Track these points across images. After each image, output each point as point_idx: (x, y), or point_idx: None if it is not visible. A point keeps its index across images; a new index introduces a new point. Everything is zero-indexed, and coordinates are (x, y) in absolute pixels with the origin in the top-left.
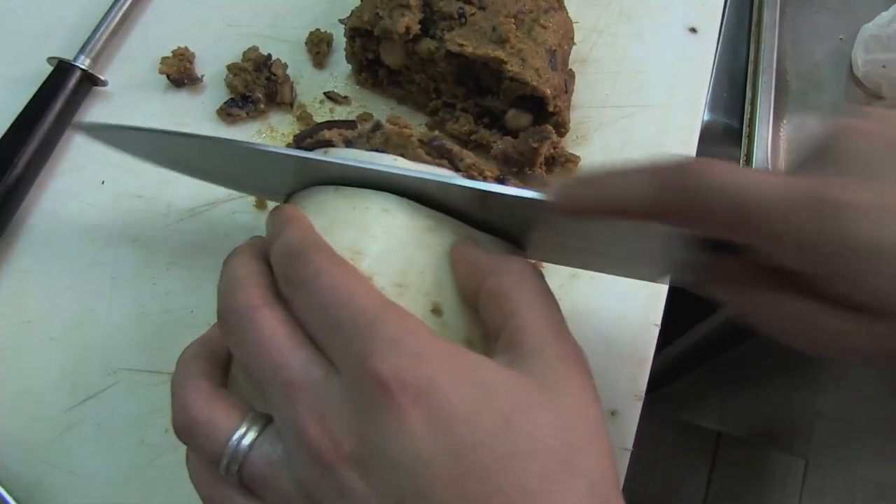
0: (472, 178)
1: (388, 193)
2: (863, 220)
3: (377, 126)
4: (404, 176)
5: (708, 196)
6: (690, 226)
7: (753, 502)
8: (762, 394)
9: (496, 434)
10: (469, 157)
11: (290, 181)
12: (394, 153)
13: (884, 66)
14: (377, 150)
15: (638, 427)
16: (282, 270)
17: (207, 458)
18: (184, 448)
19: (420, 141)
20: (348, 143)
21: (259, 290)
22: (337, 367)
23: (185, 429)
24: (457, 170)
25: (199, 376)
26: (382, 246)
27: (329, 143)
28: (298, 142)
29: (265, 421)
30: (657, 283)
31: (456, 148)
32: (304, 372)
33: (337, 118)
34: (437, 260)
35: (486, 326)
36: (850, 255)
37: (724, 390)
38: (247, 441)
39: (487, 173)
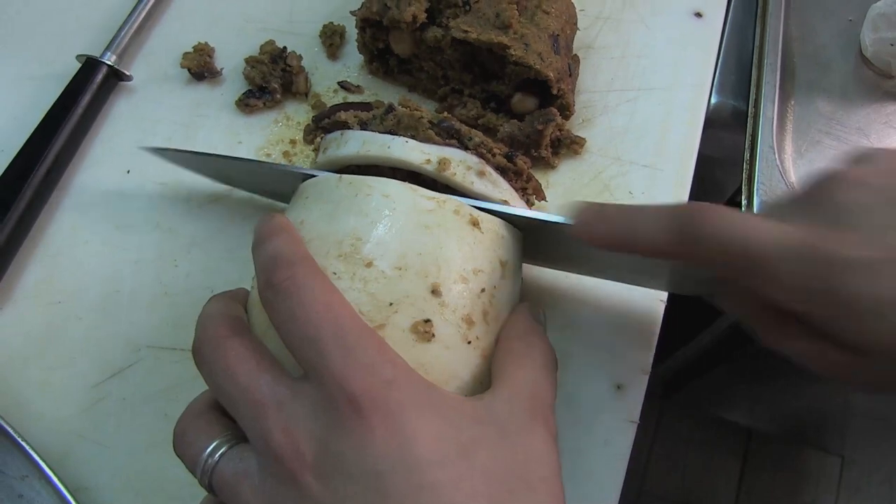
0: (481, 156)
1: (389, 179)
2: (858, 276)
3: (390, 109)
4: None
5: (710, 243)
6: (697, 265)
7: (787, 500)
8: (793, 389)
9: (452, 458)
10: (477, 135)
11: None
12: (405, 134)
13: (892, 45)
14: (390, 132)
15: (668, 423)
16: (265, 276)
17: (190, 466)
18: None
19: (430, 122)
20: (363, 125)
21: (229, 324)
22: (309, 380)
23: (175, 440)
24: (466, 148)
25: (198, 398)
26: (382, 231)
27: (345, 125)
28: (316, 122)
29: (240, 439)
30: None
31: (464, 128)
32: (271, 392)
33: None
34: (437, 241)
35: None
36: (846, 307)
37: (754, 385)
38: (218, 454)
39: (496, 150)
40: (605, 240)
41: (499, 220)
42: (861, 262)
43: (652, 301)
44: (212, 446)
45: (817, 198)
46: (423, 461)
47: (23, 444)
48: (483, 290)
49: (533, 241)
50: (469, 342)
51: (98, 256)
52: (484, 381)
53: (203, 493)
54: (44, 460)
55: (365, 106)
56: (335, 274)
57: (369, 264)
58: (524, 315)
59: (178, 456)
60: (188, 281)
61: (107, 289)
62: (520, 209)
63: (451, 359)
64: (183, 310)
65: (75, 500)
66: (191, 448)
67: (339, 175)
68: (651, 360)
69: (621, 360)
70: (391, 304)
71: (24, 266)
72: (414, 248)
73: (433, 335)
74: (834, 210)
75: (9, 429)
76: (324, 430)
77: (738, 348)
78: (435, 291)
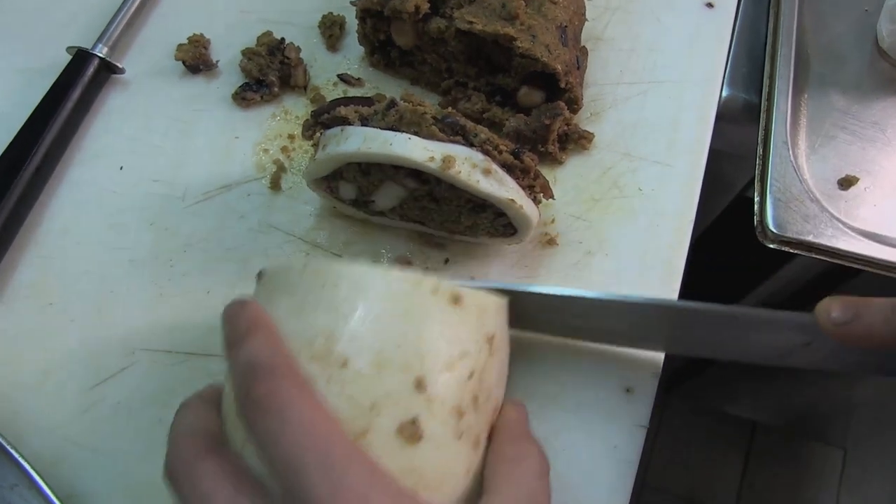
0: (487, 153)
1: (358, 264)
2: None
3: (392, 104)
4: None
5: None
6: None
7: (789, 493)
8: (797, 382)
9: None
10: (483, 132)
11: None
12: (408, 131)
13: None
14: (392, 128)
15: (670, 417)
16: (244, 388)
17: None
18: None
19: (434, 118)
20: (364, 121)
21: (203, 441)
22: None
23: None
24: (471, 145)
25: None
26: (354, 325)
27: (345, 120)
28: (316, 117)
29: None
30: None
31: (469, 124)
32: None
33: None
34: (416, 328)
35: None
36: None
37: (758, 379)
38: None
39: (502, 147)
40: (869, 338)
41: (481, 291)
42: None
43: None
44: None
45: None
46: None
47: (12, 451)
48: (471, 375)
49: (520, 308)
50: (460, 436)
51: (91, 256)
52: (477, 474)
53: None
54: (34, 468)
55: (366, 100)
56: (308, 378)
57: (344, 364)
58: (515, 418)
59: None
60: (184, 282)
61: (100, 290)
62: (502, 283)
63: (443, 458)
64: (179, 311)
65: None
66: None
67: (303, 263)
68: (661, 362)
69: (631, 362)
70: (372, 406)
71: (14, 266)
72: (392, 340)
73: (422, 436)
74: None
75: None
76: None
77: None
78: (419, 386)
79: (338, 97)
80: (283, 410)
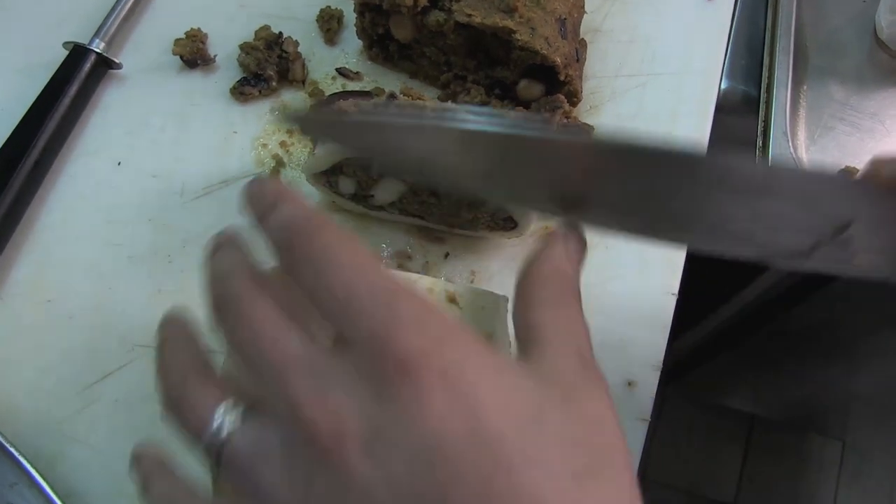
0: None
1: None
2: None
3: (391, 98)
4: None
5: None
6: None
7: (789, 486)
8: (796, 375)
9: (524, 431)
10: None
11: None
12: None
13: None
14: None
15: (670, 410)
16: (284, 245)
17: (190, 437)
18: None
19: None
20: None
21: (249, 279)
22: (345, 346)
23: (171, 403)
24: None
25: (190, 346)
26: None
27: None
28: None
29: (254, 402)
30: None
31: None
32: (301, 351)
33: None
34: None
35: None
36: None
37: (757, 372)
38: (230, 423)
39: None
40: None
41: (478, 290)
42: None
43: (663, 295)
44: (220, 411)
45: None
46: (494, 432)
47: (11, 450)
48: None
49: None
50: None
51: (89, 252)
52: None
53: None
54: (34, 466)
55: (365, 94)
56: None
57: None
58: (551, 256)
59: (171, 423)
60: (183, 278)
61: (99, 286)
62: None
63: None
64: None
65: None
66: (190, 418)
67: None
68: (662, 355)
69: (632, 355)
70: None
71: (12, 263)
72: None
73: None
74: None
75: None
76: (367, 401)
77: (743, 334)
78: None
79: (337, 91)
80: (329, 255)
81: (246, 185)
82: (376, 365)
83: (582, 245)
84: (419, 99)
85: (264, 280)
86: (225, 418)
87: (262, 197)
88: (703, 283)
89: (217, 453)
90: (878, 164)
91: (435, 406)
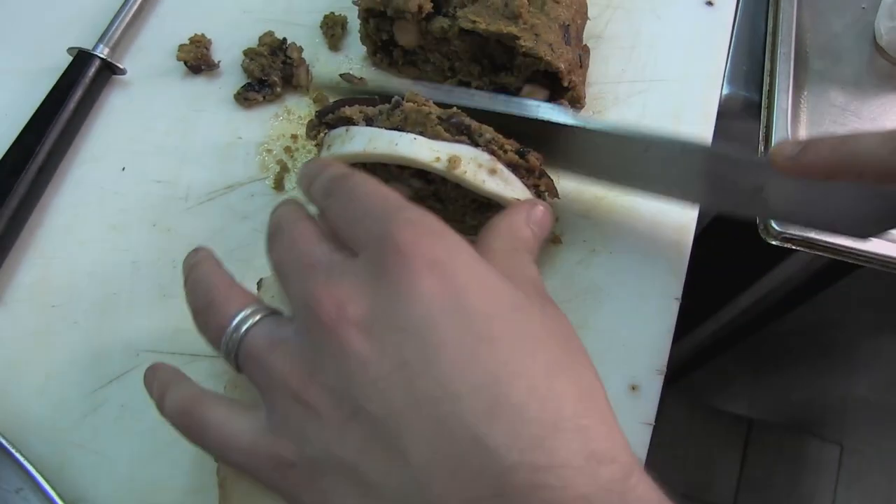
0: (492, 152)
1: None
2: None
3: (397, 104)
4: None
5: None
6: None
7: (787, 489)
8: (793, 378)
9: (506, 313)
10: (488, 131)
11: None
12: (413, 131)
13: None
14: (396, 128)
15: (668, 414)
16: (325, 194)
17: (213, 336)
18: None
19: (439, 118)
20: (368, 121)
21: (297, 212)
22: (358, 254)
23: (198, 309)
24: (476, 145)
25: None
26: None
27: (350, 120)
28: (320, 118)
29: (277, 313)
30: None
31: (475, 124)
32: (325, 257)
33: None
34: None
35: None
36: None
37: (754, 375)
38: (249, 321)
39: (507, 146)
40: (815, 168)
41: None
42: None
43: (666, 300)
44: (243, 314)
45: None
46: (478, 312)
47: (17, 455)
48: None
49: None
50: None
51: (94, 257)
52: None
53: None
54: (40, 472)
55: (370, 100)
56: None
57: None
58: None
59: (199, 328)
60: None
61: (103, 291)
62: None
63: None
64: (182, 313)
65: None
66: (217, 316)
67: None
68: (666, 359)
69: (635, 360)
70: None
71: (16, 268)
72: None
73: None
74: None
75: (2, 440)
76: (368, 290)
77: (741, 338)
78: None
79: (342, 98)
80: (355, 191)
81: (302, 166)
82: (378, 258)
83: (545, 215)
84: (424, 105)
85: (310, 217)
86: (246, 318)
87: (312, 168)
88: (701, 288)
89: (236, 349)
90: (780, 145)
91: (424, 287)
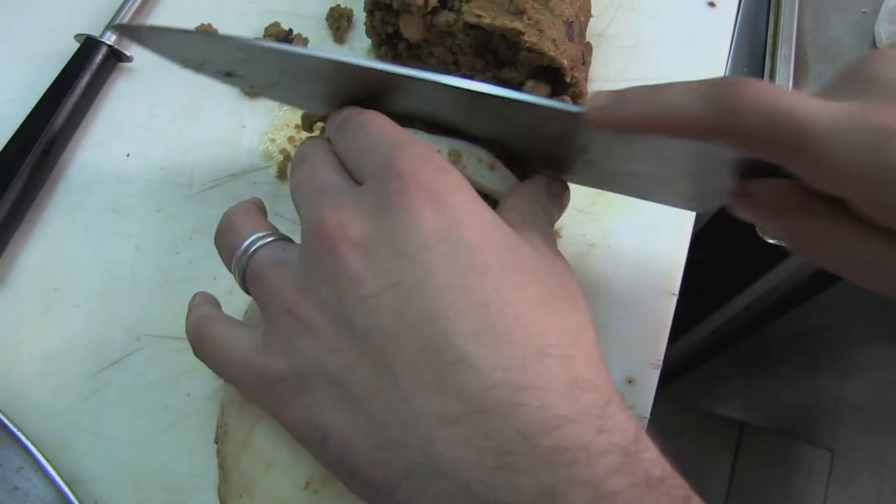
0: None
1: None
2: None
3: None
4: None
5: (753, 114)
6: (732, 144)
7: (778, 493)
8: (785, 382)
9: (500, 249)
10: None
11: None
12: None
13: None
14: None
15: (660, 416)
16: (337, 124)
17: (227, 255)
18: (205, 413)
19: None
20: None
21: (324, 146)
22: (365, 181)
23: (219, 230)
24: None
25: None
26: None
27: None
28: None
29: (288, 238)
30: (692, 209)
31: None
32: (336, 184)
33: None
34: None
35: None
36: None
37: (747, 378)
38: (260, 242)
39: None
40: (626, 120)
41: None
42: None
43: (663, 295)
44: (255, 236)
45: (861, 77)
46: (472, 244)
47: (19, 434)
48: None
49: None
50: None
51: (97, 242)
52: None
53: (213, 481)
54: (40, 451)
55: None
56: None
57: None
58: (531, 183)
59: (217, 248)
60: (190, 268)
61: (106, 275)
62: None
63: None
64: (184, 298)
65: (72, 492)
66: (232, 235)
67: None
68: (662, 354)
69: (632, 354)
70: None
71: (20, 250)
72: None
73: None
74: (881, 84)
75: (4, 419)
76: (370, 215)
77: (734, 341)
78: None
79: None
80: (366, 126)
81: (331, 115)
82: (381, 186)
83: (562, 188)
84: None
85: (332, 151)
86: (257, 240)
87: (335, 115)
88: (694, 290)
89: (244, 268)
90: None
91: (423, 216)
